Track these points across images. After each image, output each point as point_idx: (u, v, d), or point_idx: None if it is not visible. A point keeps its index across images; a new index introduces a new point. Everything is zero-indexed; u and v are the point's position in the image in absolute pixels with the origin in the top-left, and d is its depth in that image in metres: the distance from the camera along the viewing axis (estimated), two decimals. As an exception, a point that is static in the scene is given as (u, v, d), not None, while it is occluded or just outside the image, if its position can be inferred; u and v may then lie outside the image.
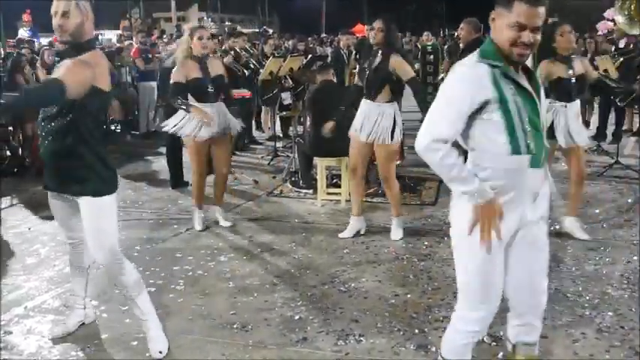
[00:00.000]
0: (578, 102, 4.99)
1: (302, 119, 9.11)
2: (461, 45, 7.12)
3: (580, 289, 4.04)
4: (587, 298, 3.91)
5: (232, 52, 8.58)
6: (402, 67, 4.89)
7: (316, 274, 4.40)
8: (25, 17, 14.79)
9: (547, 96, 4.45)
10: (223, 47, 9.02)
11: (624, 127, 9.34)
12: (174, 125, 5.20)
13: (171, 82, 5.13)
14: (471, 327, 2.53)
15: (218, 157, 5.43)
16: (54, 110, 3.02)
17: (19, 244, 5.22)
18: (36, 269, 4.62)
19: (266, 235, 5.28)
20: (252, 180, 7.11)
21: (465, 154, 2.41)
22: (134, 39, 12.04)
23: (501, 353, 3.21)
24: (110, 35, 18.11)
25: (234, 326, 3.62)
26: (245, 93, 7.84)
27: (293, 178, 6.90)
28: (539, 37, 2.32)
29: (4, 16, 14.89)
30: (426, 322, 3.63)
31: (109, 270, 3.28)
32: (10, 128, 7.97)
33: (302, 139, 6.88)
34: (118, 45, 12.29)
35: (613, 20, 10.66)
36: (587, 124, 10.32)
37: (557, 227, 5.23)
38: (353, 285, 4.18)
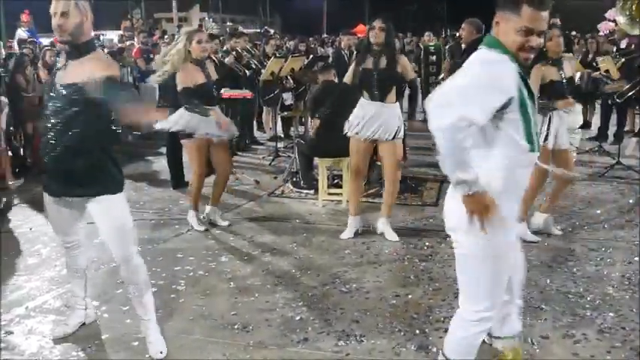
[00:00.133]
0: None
1: (303, 120, 9.12)
2: (463, 45, 7.12)
3: (581, 289, 4.04)
4: (589, 298, 3.90)
5: (234, 53, 8.58)
6: (407, 67, 5.04)
7: (317, 274, 4.40)
8: (24, 17, 14.79)
9: (540, 99, 4.53)
10: (225, 48, 9.01)
11: (626, 128, 9.32)
12: (177, 124, 5.19)
13: (181, 87, 5.09)
14: (483, 325, 2.54)
15: (220, 157, 5.43)
16: (72, 110, 3.00)
17: (21, 244, 5.22)
18: (37, 269, 4.62)
19: (267, 236, 5.28)
20: (254, 180, 7.11)
21: None
22: (135, 39, 12.06)
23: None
24: (111, 35, 18.09)
25: (235, 326, 3.62)
26: (246, 93, 7.85)
27: (294, 179, 6.90)
28: (542, 40, 2.35)
29: (4, 17, 14.91)
30: (427, 322, 3.62)
31: (127, 267, 3.23)
32: (12, 128, 7.96)
33: (303, 139, 6.88)
34: (119, 45, 12.30)
35: (614, 21, 10.66)
36: (588, 124, 10.33)
37: (559, 228, 5.23)
38: (354, 285, 4.17)
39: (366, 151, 5.09)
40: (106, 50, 9.60)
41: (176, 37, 5.25)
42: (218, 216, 5.59)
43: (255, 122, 10.23)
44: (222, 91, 6.48)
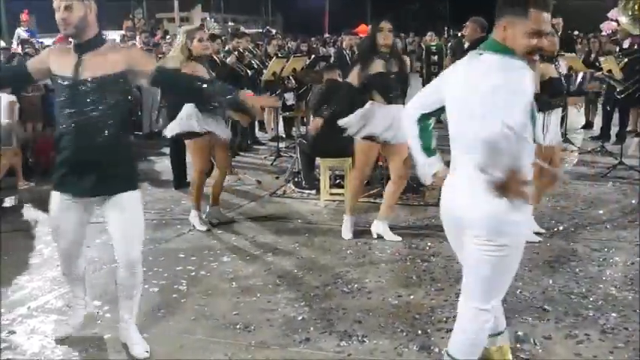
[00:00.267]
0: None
1: (305, 120, 9.11)
2: (466, 43, 7.12)
3: (584, 290, 4.03)
4: (591, 299, 3.89)
5: (235, 53, 8.59)
6: (408, 67, 5.12)
7: (319, 274, 4.40)
8: (24, 17, 14.81)
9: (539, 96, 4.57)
10: (227, 48, 9.02)
11: (628, 128, 9.31)
12: (180, 127, 5.22)
13: None
14: (490, 322, 2.58)
15: (220, 156, 5.45)
16: (109, 103, 2.97)
17: (23, 244, 5.22)
18: (39, 269, 4.62)
19: (269, 236, 5.28)
20: (255, 180, 7.11)
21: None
22: (137, 39, 12.05)
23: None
24: (113, 35, 18.11)
25: (237, 326, 3.62)
26: (248, 94, 7.83)
27: (296, 179, 6.90)
28: (547, 41, 2.40)
29: (6, 17, 14.93)
30: (429, 323, 3.62)
31: (132, 268, 3.18)
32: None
33: (305, 139, 6.88)
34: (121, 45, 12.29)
35: (617, 20, 10.64)
36: (590, 124, 10.32)
37: (561, 228, 5.22)
38: (356, 286, 4.17)
39: (377, 153, 5.09)
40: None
41: (177, 37, 5.25)
42: (220, 215, 5.60)
43: (256, 122, 10.23)
44: None
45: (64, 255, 3.34)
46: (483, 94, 2.32)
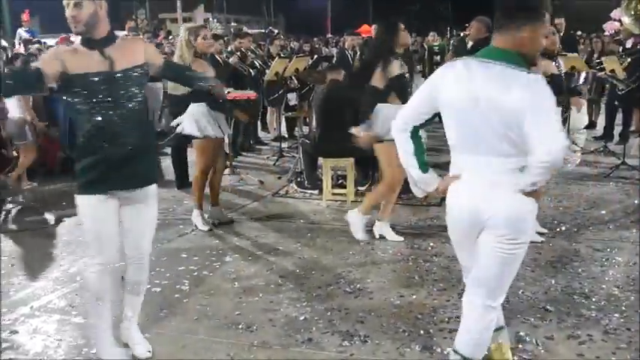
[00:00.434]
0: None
1: (307, 120, 9.12)
2: (469, 43, 7.12)
3: (586, 290, 4.02)
4: (594, 299, 3.89)
5: (238, 53, 8.59)
6: None
7: (321, 274, 4.40)
8: (24, 17, 14.85)
9: None
10: (229, 48, 9.02)
11: (631, 128, 9.29)
12: (192, 126, 5.24)
13: None
14: (494, 321, 2.66)
15: (219, 155, 5.48)
16: (141, 93, 3.02)
17: (26, 243, 5.24)
18: (42, 269, 4.63)
19: (271, 236, 5.28)
20: (258, 180, 7.12)
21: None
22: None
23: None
24: (116, 36, 18.15)
25: (239, 326, 3.62)
26: (250, 94, 7.84)
27: (298, 179, 6.90)
28: None
29: (10, 17, 14.96)
30: (431, 323, 3.62)
31: (143, 263, 3.21)
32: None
33: (307, 139, 6.88)
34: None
35: (619, 20, 10.62)
36: (593, 124, 10.31)
37: (563, 228, 5.22)
38: (358, 286, 4.17)
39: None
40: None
41: (181, 35, 5.24)
42: (221, 215, 5.61)
43: (259, 122, 10.24)
44: (226, 91, 6.49)
45: (104, 271, 3.05)
46: (511, 110, 2.35)
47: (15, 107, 7.06)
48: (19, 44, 13.13)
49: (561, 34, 8.81)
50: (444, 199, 2.76)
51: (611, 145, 8.51)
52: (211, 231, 5.39)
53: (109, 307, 3.15)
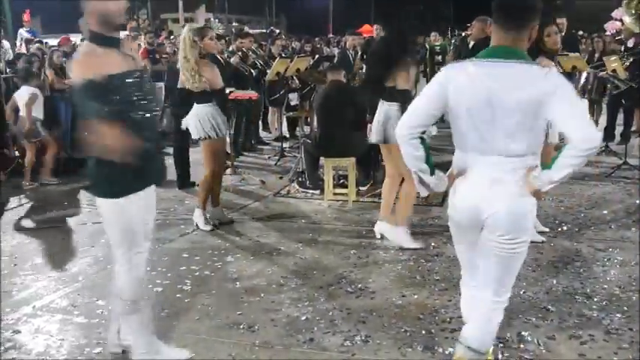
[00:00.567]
0: None
1: (309, 120, 9.12)
2: (471, 43, 7.13)
3: (588, 290, 4.02)
4: (595, 299, 3.88)
5: (239, 53, 8.60)
6: None
7: (323, 274, 4.40)
8: (25, 17, 14.86)
9: None
10: (230, 48, 9.03)
11: (633, 128, 9.28)
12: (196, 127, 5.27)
13: (221, 86, 5.30)
14: None
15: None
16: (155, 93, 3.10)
17: (28, 243, 5.25)
18: (44, 269, 4.64)
19: (273, 236, 5.28)
20: (259, 180, 7.12)
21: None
22: (142, 40, 12.07)
23: (506, 354, 3.21)
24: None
25: (241, 326, 3.62)
26: (252, 94, 7.85)
27: (300, 179, 6.90)
28: None
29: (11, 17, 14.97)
30: (433, 323, 3.62)
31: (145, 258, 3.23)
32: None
33: (309, 139, 6.89)
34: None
35: (621, 20, 10.62)
36: (595, 124, 10.29)
37: (565, 228, 5.22)
38: (360, 286, 4.17)
39: None
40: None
41: (184, 35, 5.24)
42: (222, 215, 5.62)
43: (260, 123, 10.24)
44: (227, 91, 6.51)
45: (140, 274, 3.09)
46: (531, 103, 2.38)
47: (26, 106, 7.14)
48: (20, 45, 13.16)
49: (563, 33, 8.82)
50: (445, 199, 2.77)
51: (613, 145, 8.49)
52: (213, 231, 5.39)
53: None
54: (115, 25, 2.90)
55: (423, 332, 3.51)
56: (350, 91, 6.90)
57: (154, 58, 10.34)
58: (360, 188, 6.51)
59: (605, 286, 4.08)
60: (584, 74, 8.80)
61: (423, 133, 2.62)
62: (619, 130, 9.06)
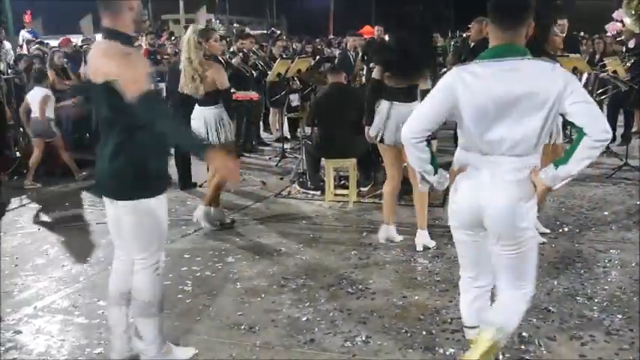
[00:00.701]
0: None
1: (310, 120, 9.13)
2: (472, 44, 7.13)
3: (588, 291, 4.02)
4: (596, 300, 3.89)
5: (240, 54, 8.61)
6: None
7: (324, 275, 4.40)
8: (27, 18, 14.89)
9: None
10: (231, 49, 9.04)
11: (634, 129, 9.28)
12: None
13: (227, 86, 5.29)
14: None
15: None
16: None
17: (29, 244, 5.25)
18: (45, 269, 4.65)
19: (273, 237, 5.28)
20: (260, 181, 7.12)
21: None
22: (143, 41, 12.08)
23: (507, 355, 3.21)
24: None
25: (242, 327, 3.63)
26: (253, 95, 7.86)
27: (301, 180, 6.90)
28: None
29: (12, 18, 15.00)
30: (434, 323, 3.62)
31: None
32: (21, 129, 8.02)
33: (310, 140, 6.89)
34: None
35: (622, 21, 10.62)
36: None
37: (566, 229, 5.21)
38: (360, 286, 4.18)
39: None
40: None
41: (188, 36, 5.24)
42: (223, 216, 5.64)
43: (261, 123, 10.25)
44: None
45: (161, 273, 3.11)
46: (544, 96, 2.40)
47: (37, 106, 7.18)
48: (21, 46, 13.18)
49: (564, 34, 8.82)
50: (445, 200, 2.78)
51: (614, 146, 8.49)
52: (214, 231, 5.39)
53: None
54: (140, 24, 2.93)
55: (424, 333, 3.51)
56: (351, 92, 6.90)
57: (155, 59, 10.34)
58: (361, 189, 6.52)
59: (606, 287, 4.08)
60: (585, 75, 8.80)
61: (429, 136, 2.63)
62: (620, 131, 9.05)
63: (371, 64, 9.59)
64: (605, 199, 6.19)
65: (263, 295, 4.07)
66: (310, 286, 4.22)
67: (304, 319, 3.72)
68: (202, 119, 5.23)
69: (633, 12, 9.24)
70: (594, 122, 2.37)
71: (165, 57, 10.56)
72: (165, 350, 3.18)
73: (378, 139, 4.86)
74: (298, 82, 8.92)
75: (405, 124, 2.64)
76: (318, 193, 6.50)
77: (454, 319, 3.62)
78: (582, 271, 4.35)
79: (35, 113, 7.26)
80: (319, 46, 14.61)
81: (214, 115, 5.22)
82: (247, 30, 15.27)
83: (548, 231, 5.07)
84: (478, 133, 2.51)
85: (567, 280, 4.18)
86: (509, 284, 2.68)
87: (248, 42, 9.17)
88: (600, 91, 8.44)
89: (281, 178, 7.29)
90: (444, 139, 6.83)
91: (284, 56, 9.71)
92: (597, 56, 9.87)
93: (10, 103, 8.13)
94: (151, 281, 3.04)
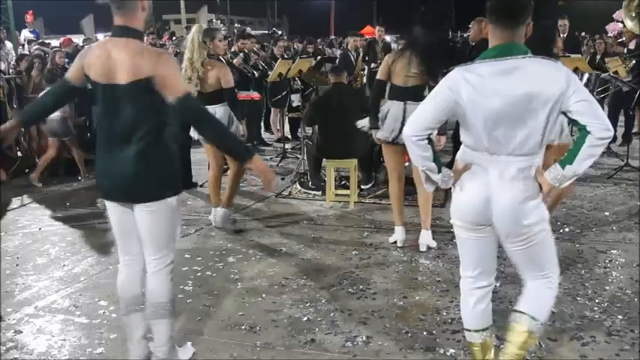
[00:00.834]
0: None
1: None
2: (471, 43, 7.12)
3: (589, 292, 4.02)
4: (597, 301, 3.88)
5: (241, 54, 8.61)
6: None
7: (325, 275, 4.40)
8: (28, 17, 14.90)
9: None
10: (232, 49, 9.04)
11: (634, 130, 9.28)
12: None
13: (232, 84, 5.27)
14: None
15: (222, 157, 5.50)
16: None
17: (30, 244, 5.26)
18: (46, 269, 4.65)
19: (274, 237, 5.28)
20: (261, 181, 7.11)
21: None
22: (145, 40, 12.10)
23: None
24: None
25: (243, 327, 3.63)
26: (254, 95, 7.86)
27: (302, 180, 6.91)
28: None
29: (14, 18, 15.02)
30: (435, 324, 3.62)
31: None
32: (22, 129, 8.02)
33: (311, 140, 6.89)
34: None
35: (622, 21, 10.62)
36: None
37: (567, 230, 5.21)
38: (361, 287, 4.18)
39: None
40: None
41: (192, 35, 5.22)
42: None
43: (262, 124, 10.25)
44: None
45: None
46: (549, 93, 2.41)
47: None
48: (22, 46, 13.19)
49: (565, 35, 8.83)
50: (446, 201, 2.78)
51: (615, 146, 8.49)
52: (215, 232, 5.40)
53: None
54: (148, 24, 2.93)
55: (425, 333, 3.51)
56: (352, 92, 6.90)
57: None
58: (363, 187, 6.53)
59: (607, 287, 4.08)
60: (586, 75, 8.81)
61: (430, 134, 2.63)
62: (620, 131, 9.05)
63: (372, 65, 9.62)
64: (606, 199, 6.19)
65: (264, 295, 4.07)
66: (311, 286, 4.22)
67: (305, 319, 3.72)
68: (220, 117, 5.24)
69: (634, 14, 9.24)
70: (597, 121, 2.38)
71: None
72: (174, 352, 3.18)
73: (391, 140, 4.77)
74: (299, 83, 8.92)
75: (407, 123, 2.65)
76: (319, 193, 6.50)
77: (455, 319, 3.62)
78: (583, 272, 4.35)
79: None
80: (320, 47, 14.60)
81: (221, 113, 5.21)
82: (248, 30, 15.27)
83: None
84: (483, 133, 2.51)
85: (568, 281, 4.18)
86: (531, 275, 2.71)
87: (249, 42, 9.17)
88: (600, 89, 8.44)
89: (282, 179, 7.28)
90: (445, 140, 6.83)
91: (285, 56, 9.71)
92: (598, 57, 9.87)
93: (12, 103, 8.13)
94: (167, 282, 3.04)
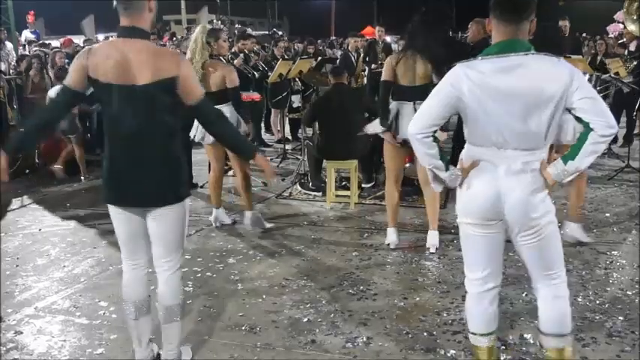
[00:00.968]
0: None
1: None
2: (471, 44, 7.11)
3: (590, 293, 4.02)
4: (598, 302, 3.88)
5: (242, 55, 8.61)
6: None
7: (325, 276, 4.40)
8: (30, 18, 14.90)
9: None
10: (233, 49, 9.04)
11: (635, 131, 9.27)
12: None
13: (237, 84, 5.23)
14: None
15: (220, 156, 5.50)
16: None
17: (30, 244, 5.26)
18: (46, 270, 4.65)
19: (275, 237, 5.28)
20: (261, 182, 7.12)
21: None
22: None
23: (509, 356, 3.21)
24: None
25: (243, 328, 3.63)
26: (254, 96, 7.86)
27: (302, 181, 6.91)
28: None
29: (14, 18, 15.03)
30: (435, 325, 3.62)
31: None
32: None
33: (311, 141, 6.89)
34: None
35: (623, 22, 10.62)
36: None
37: (567, 231, 5.20)
38: (362, 287, 4.17)
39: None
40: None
41: (196, 35, 5.21)
42: (224, 216, 5.65)
43: (263, 124, 10.25)
44: None
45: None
46: (553, 90, 2.42)
47: None
48: (23, 46, 13.19)
49: (566, 35, 8.82)
50: (447, 201, 2.77)
51: (615, 147, 8.48)
52: (215, 232, 5.40)
53: None
54: (154, 25, 2.92)
55: (425, 334, 3.51)
56: (353, 93, 6.90)
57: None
58: (364, 185, 6.53)
59: (608, 288, 4.08)
60: (587, 76, 8.80)
61: (435, 132, 2.62)
62: (621, 132, 9.04)
63: (373, 65, 9.61)
64: (607, 200, 6.19)
65: (264, 296, 4.07)
66: (311, 287, 4.22)
67: (305, 320, 3.72)
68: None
69: (635, 17, 9.25)
70: (600, 117, 2.39)
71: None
72: (179, 354, 3.17)
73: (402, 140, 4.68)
74: (300, 83, 8.92)
75: (411, 121, 2.65)
76: (320, 194, 6.50)
77: (455, 320, 3.62)
78: (584, 273, 4.35)
79: None
80: (321, 47, 14.61)
81: (228, 113, 5.19)
82: (249, 31, 15.26)
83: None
84: (484, 128, 2.51)
85: (568, 282, 4.15)
86: (541, 279, 2.72)
87: (249, 43, 9.17)
88: (600, 88, 8.42)
89: (282, 179, 7.28)
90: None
91: (286, 57, 9.71)
92: (599, 58, 9.87)
93: (12, 104, 8.13)
94: (179, 284, 3.03)
